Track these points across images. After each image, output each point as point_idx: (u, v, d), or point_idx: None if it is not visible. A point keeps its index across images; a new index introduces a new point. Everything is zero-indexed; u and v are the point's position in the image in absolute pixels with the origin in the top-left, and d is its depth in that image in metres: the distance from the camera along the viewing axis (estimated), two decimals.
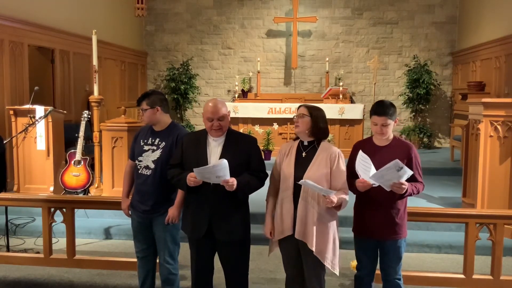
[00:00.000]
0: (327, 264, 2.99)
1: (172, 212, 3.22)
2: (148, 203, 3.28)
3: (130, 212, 3.45)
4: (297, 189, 2.97)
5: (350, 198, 3.05)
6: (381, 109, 3.03)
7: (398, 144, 3.12)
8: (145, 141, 3.34)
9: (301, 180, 2.87)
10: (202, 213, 2.96)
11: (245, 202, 3.09)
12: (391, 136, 3.13)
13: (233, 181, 2.82)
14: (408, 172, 2.85)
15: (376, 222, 3.08)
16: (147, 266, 3.45)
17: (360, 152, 2.94)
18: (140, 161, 3.32)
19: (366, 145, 3.17)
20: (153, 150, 3.29)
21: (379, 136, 3.10)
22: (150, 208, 3.28)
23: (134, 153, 3.40)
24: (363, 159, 2.91)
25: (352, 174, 3.09)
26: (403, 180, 2.89)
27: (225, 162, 2.76)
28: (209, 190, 2.93)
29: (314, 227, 2.94)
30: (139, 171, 3.32)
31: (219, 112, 2.94)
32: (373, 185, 2.94)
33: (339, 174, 2.99)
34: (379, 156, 3.05)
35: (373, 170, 2.88)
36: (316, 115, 3.02)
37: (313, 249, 2.94)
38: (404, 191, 2.93)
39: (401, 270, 3.23)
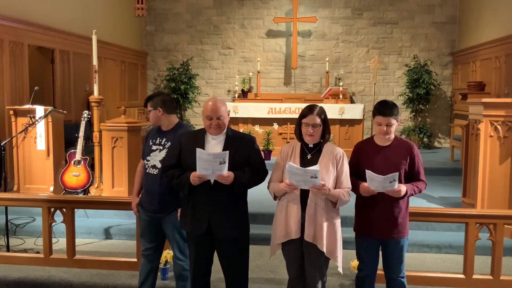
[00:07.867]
0: (338, 263, 3.01)
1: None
2: (156, 202, 3.30)
3: (138, 210, 3.47)
4: (303, 192, 2.94)
5: (351, 197, 3.05)
6: (386, 109, 3.04)
7: (399, 144, 3.14)
8: (154, 141, 3.39)
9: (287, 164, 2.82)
10: (202, 210, 2.96)
11: (244, 200, 3.09)
12: (393, 136, 3.14)
13: (230, 175, 2.83)
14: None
15: (378, 221, 3.09)
16: (151, 265, 3.44)
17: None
18: (148, 160, 3.36)
19: (368, 146, 3.20)
20: (160, 150, 3.33)
21: (382, 136, 3.10)
22: (159, 207, 3.29)
23: (144, 153, 3.45)
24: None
25: (353, 174, 3.10)
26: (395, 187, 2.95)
27: (226, 152, 2.79)
28: (209, 187, 2.92)
29: (324, 229, 2.94)
30: (147, 171, 3.36)
31: (218, 111, 2.94)
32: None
33: (344, 173, 3.00)
34: (382, 156, 3.08)
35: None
36: (326, 121, 3.00)
37: (324, 250, 2.94)
38: (403, 193, 2.98)
39: (404, 269, 3.23)
